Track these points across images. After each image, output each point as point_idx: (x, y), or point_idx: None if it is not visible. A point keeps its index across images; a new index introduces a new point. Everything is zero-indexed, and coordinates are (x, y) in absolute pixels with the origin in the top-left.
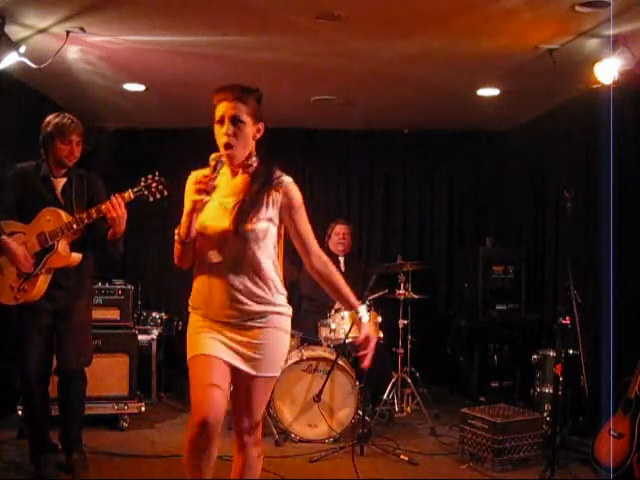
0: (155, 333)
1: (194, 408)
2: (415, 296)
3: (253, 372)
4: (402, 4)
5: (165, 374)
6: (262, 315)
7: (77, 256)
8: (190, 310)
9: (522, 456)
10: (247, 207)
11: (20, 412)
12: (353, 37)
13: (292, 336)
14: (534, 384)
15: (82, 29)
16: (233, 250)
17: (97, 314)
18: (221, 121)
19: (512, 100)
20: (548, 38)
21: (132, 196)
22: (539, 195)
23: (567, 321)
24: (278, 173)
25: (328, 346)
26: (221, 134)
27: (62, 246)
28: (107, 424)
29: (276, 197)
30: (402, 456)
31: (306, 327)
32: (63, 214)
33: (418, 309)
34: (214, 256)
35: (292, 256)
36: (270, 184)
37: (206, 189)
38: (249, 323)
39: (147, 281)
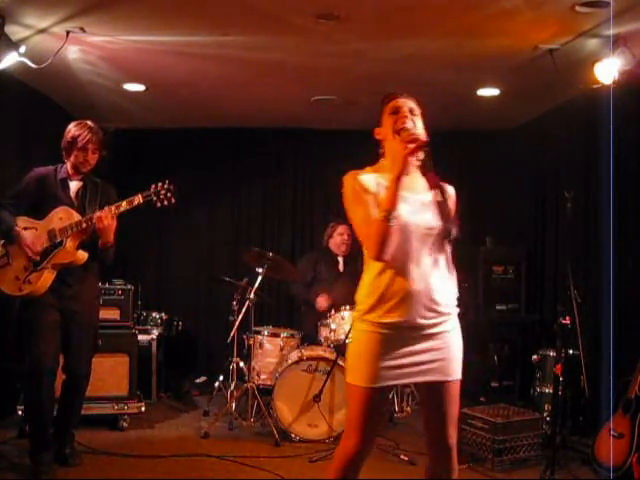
0: (155, 333)
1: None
2: None
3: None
4: (402, 4)
5: (165, 374)
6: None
7: (83, 254)
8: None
9: (522, 456)
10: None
11: (20, 412)
12: (353, 37)
13: (292, 336)
14: (534, 384)
15: (82, 29)
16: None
17: None
18: (398, 110)
19: (512, 100)
20: (548, 38)
21: (141, 200)
22: (539, 195)
23: (567, 321)
24: None
25: (328, 346)
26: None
27: (70, 243)
28: (107, 424)
29: None
30: (402, 456)
31: (306, 327)
32: (75, 214)
33: None
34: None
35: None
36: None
37: (421, 144)
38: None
39: (147, 281)
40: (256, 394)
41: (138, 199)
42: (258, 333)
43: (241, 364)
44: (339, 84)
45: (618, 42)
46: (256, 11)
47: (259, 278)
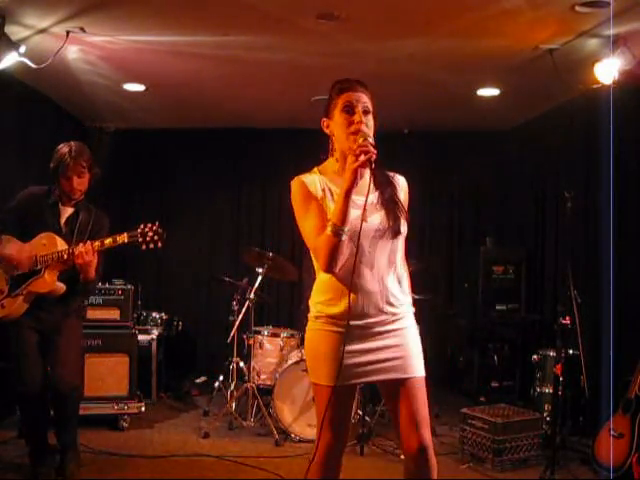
0: (155, 333)
1: None
2: (415, 296)
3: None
4: (402, 4)
5: (165, 374)
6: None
7: (60, 286)
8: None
9: (522, 456)
10: (400, 206)
11: (20, 412)
12: (353, 37)
13: (292, 336)
14: (534, 384)
15: (82, 29)
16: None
17: (97, 314)
18: (352, 109)
19: (512, 100)
20: (548, 38)
21: (126, 240)
22: (539, 195)
23: (567, 321)
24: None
25: None
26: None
27: (49, 273)
28: (107, 424)
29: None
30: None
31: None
32: (59, 241)
33: (418, 309)
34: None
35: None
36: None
37: (371, 157)
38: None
39: (147, 281)
40: (256, 394)
41: (123, 238)
42: (258, 333)
43: (241, 364)
44: None
45: (618, 42)
46: (256, 11)
47: (259, 278)
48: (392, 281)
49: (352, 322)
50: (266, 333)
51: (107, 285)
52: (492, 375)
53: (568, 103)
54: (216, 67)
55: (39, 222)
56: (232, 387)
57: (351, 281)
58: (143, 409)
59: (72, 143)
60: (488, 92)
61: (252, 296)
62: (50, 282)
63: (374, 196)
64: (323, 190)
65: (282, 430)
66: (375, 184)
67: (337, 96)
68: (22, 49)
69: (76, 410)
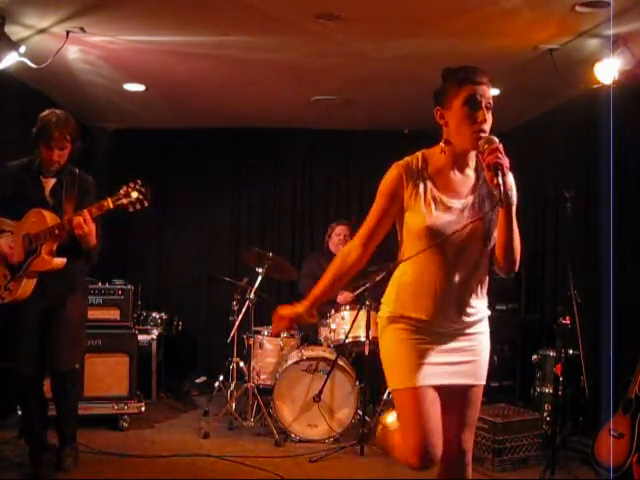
0: (155, 333)
1: None
2: None
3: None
4: (402, 4)
5: (165, 374)
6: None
7: (61, 261)
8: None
9: (522, 456)
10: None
11: (20, 412)
12: (353, 37)
13: (292, 336)
14: (534, 384)
15: (82, 29)
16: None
17: (97, 314)
18: (478, 105)
19: (512, 100)
20: (548, 38)
21: (111, 206)
22: (539, 195)
23: (567, 321)
24: None
25: (328, 346)
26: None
27: (46, 250)
28: (107, 424)
29: None
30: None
31: (306, 327)
32: (48, 216)
33: None
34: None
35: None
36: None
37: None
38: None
39: (147, 281)
40: (256, 394)
41: (108, 204)
42: (258, 333)
43: (241, 364)
44: (339, 84)
45: (618, 42)
46: (256, 11)
47: (259, 278)
48: (475, 287)
49: (432, 325)
50: (266, 333)
51: (107, 285)
52: (492, 375)
53: (568, 103)
54: (216, 67)
55: (24, 198)
56: (232, 387)
57: (434, 285)
58: (143, 409)
59: (58, 111)
60: None
61: (252, 296)
62: (49, 259)
63: (471, 198)
64: (416, 185)
65: (282, 430)
66: (476, 185)
67: (459, 86)
68: (22, 49)
69: (75, 396)
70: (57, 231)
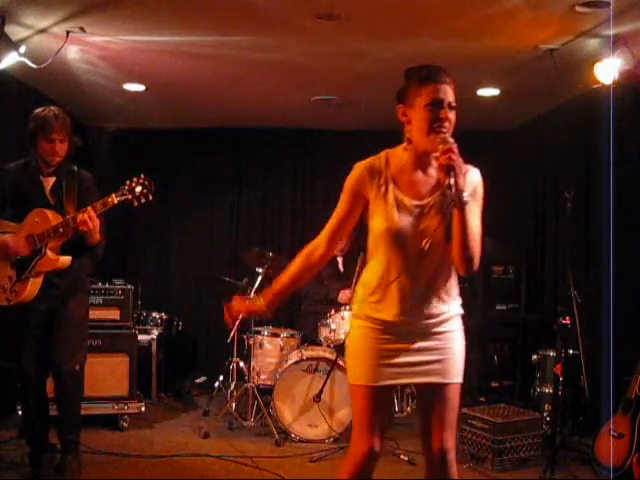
0: (155, 333)
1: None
2: None
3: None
4: (402, 4)
5: (165, 374)
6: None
7: (66, 259)
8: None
9: (522, 456)
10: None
11: (20, 412)
12: (353, 37)
13: (292, 336)
14: (534, 384)
15: (82, 29)
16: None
17: (97, 314)
18: (440, 104)
19: (512, 100)
20: (548, 38)
21: (115, 201)
22: (539, 195)
23: (567, 321)
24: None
25: (328, 346)
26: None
27: (51, 249)
28: (107, 424)
29: None
30: (402, 456)
31: (306, 327)
32: (50, 215)
33: None
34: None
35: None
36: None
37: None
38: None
39: (147, 281)
40: (256, 394)
41: (112, 200)
42: (258, 333)
43: (241, 364)
44: (339, 84)
45: (618, 42)
46: (256, 11)
47: (259, 278)
48: (440, 287)
49: (394, 324)
50: (266, 333)
51: (107, 285)
52: (492, 375)
53: (568, 103)
54: (216, 67)
55: (25, 199)
56: (232, 387)
57: (396, 283)
58: (143, 409)
59: (53, 107)
60: (488, 92)
61: (252, 296)
62: (54, 259)
63: (434, 198)
64: (379, 186)
65: (282, 430)
66: (437, 186)
67: (422, 85)
68: (22, 49)
69: (78, 399)
70: (62, 229)
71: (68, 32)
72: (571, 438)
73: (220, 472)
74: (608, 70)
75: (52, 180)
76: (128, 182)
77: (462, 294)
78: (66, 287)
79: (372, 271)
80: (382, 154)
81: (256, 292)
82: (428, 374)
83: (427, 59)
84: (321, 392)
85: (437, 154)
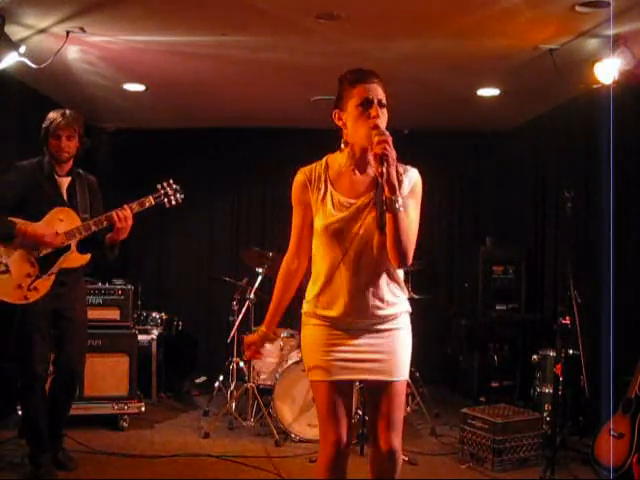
0: (155, 333)
1: None
2: (415, 296)
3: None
4: (402, 4)
5: (165, 374)
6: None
7: (87, 257)
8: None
9: (522, 456)
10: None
11: (20, 412)
12: (353, 37)
13: (292, 336)
14: (534, 384)
15: (82, 29)
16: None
17: (97, 314)
18: (369, 103)
19: (512, 100)
20: (548, 38)
21: (153, 202)
22: (539, 195)
23: (567, 321)
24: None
25: None
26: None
27: (75, 247)
28: (107, 424)
29: None
30: (402, 456)
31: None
32: (74, 215)
33: (418, 309)
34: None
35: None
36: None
37: (387, 157)
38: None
39: (147, 281)
40: (256, 394)
41: (150, 201)
42: None
43: (241, 364)
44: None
45: (618, 42)
46: (256, 11)
47: (259, 278)
48: (382, 283)
49: (340, 321)
50: None
51: (107, 285)
52: (492, 375)
53: (568, 103)
54: (216, 67)
55: (42, 198)
56: (232, 387)
57: (331, 281)
58: (143, 409)
59: (66, 110)
60: (488, 92)
61: (252, 296)
62: (79, 256)
63: (371, 196)
64: (319, 189)
65: (282, 430)
66: (374, 184)
67: (351, 87)
68: (22, 49)
69: (72, 402)
70: (93, 227)
71: (68, 32)
72: (571, 438)
73: (220, 472)
74: (608, 70)
75: (67, 181)
76: (160, 185)
77: (462, 294)
78: (72, 289)
79: (316, 270)
80: (323, 160)
81: (256, 292)
82: (374, 372)
83: (427, 59)
84: None
85: (372, 143)
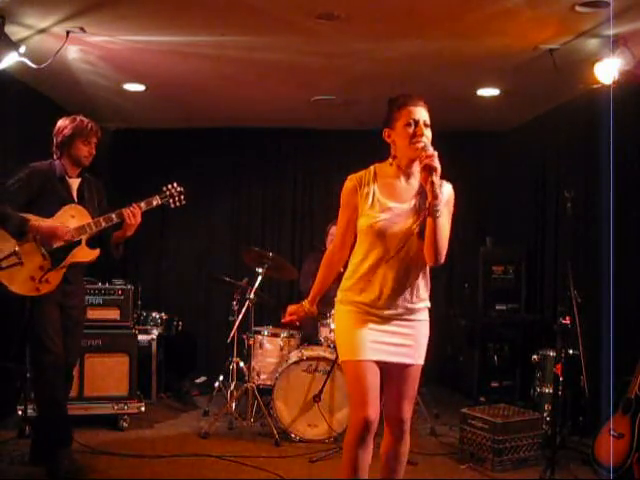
0: (155, 333)
1: None
2: None
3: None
4: (402, 4)
5: (165, 374)
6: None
7: (97, 252)
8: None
9: (522, 456)
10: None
11: (20, 412)
12: (353, 37)
13: (292, 336)
14: (534, 384)
15: (82, 29)
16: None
17: (97, 314)
18: (415, 123)
19: (512, 100)
20: (548, 38)
21: (160, 202)
22: (539, 195)
23: (567, 321)
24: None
25: (328, 346)
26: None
27: (86, 242)
28: (107, 424)
29: None
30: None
31: (306, 327)
32: (85, 211)
33: None
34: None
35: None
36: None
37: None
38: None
39: (147, 281)
40: (256, 394)
41: (157, 200)
42: (258, 333)
43: (241, 364)
44: (339, 84)
45: (618, 42)
46: (256, 11)
47: (259, 278)
48: (414, 279)
49: (374, 308)
50: (266, 333)
51: (107, 285)
52: (492, 375)
53: (568, 103)
54: (216, 67)
55: (53, 198)
56: (232, 387)
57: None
58: (143, 409)
59: (83, 117)
60: (488, 92)
61: (252, 296)
62: (89, 250)
63: (413, 202)
64: (367, 194)
65: (282, 430)
66: (418, 191)
67: (399, 109)
68: (22, 49)
69: (69, 391)
70: (104, 223)
71: (68, 32)
72: (571, 438)
73: (220, 472)
74: (608, 70)
75: (78, 182)
76: (166, 187)
77: (462, 294)
78: (77, 286)
79: (356, 263)
80: (371, 168)
81: (256, 292)
82: (401, 355)
83: (427, 59)
84: (321, 392)
85: (422, 157)
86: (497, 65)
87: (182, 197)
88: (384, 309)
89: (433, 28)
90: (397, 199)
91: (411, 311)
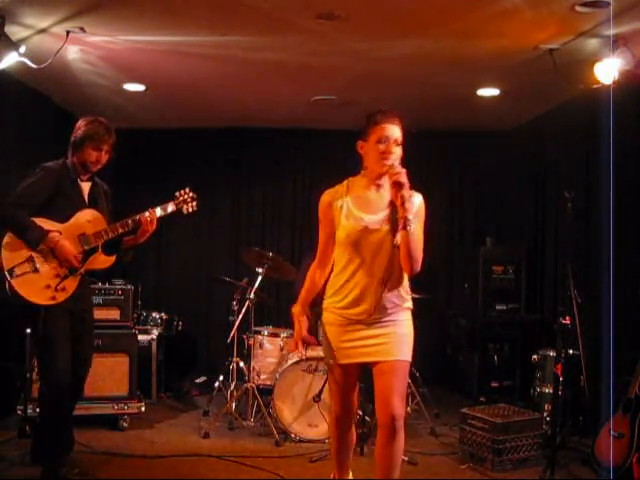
0: (155, 333)
1: None
2: (415, 296)
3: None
4: (402, 4)
5: (165, 374)
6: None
7: (113, 258)
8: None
9: (522, 456)
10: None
11: (20, 412)
12: (353, 37)
13: (292, 336)
14: (534, 384)
15: (82, 29)
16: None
17: (97, 314)
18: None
19: (512, 100)
20: (548, 38)
21: (174, 208)
22: (539, 195)
23: (567, 321)
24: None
25: None
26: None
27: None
28: (107, 424)
29: None
30: (402, 456)
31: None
32: (101, 216)
33: (418, 309)
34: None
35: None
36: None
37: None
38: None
39: (147, 281)
40: (256, 394)
41: (172, 207)
42: (258, 333)
43: (241, 364)
44: (339, 84)
45: (618, 42)
46: (256, 11)
47: (259, 278)
48: (392, 284)
49: (353, 315)
50: (266, 333)
51: (107, 285)
52: (492, 375)
53: (568, 103)
54: (216, 67)
55: (65, 200)
56: (232, 387)
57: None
58: (143, 409)
59: (103, 119)
60: (488, 92)
61: (252, 296)
62: (106, 257)
63: (385, 212)
64: (341, 207)
65: (282, 430)
66: (390, 201)
67: (375, 125)
68: (22, 49)
69: (80, 397)
70: (120, 229)
71: (68, 32)
72: (571, 438)
73: (220, 472)
74: (608, 70)
75: (89, 185)
76: (177, 194)
77: (462, 294)
78: (87, 291)
79: (336, 272)
80: (345, 182)
81: (256, 292)
82: (378, 354)
83: (427, 59)
84: (321, 392)
85: (390, 174)
86: (497, 65)
87: (194, 203)
88: (364, 314)
89: (433, 28)
90: (369, 210)
91: (390, 314)
